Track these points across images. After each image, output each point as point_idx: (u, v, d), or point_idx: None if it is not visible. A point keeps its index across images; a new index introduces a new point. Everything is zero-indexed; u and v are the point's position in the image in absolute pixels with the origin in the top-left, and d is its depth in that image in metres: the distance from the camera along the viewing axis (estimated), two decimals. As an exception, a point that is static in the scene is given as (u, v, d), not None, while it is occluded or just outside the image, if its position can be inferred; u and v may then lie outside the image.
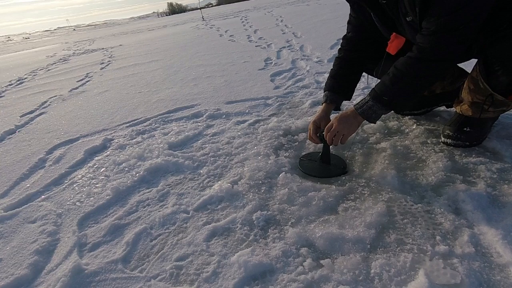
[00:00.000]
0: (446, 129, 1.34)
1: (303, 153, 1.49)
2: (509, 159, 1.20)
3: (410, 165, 1.27)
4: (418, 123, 1.55)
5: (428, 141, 1.40)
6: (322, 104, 1.44)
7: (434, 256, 0.87)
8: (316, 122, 1.39)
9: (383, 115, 1.29)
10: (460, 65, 1.42)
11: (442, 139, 1.36)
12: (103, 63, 5.53)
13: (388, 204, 1.08)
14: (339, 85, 1.43)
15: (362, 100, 1.24)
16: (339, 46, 1.49)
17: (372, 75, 1.56)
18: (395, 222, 1.01)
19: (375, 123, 1.25)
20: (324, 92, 1.46)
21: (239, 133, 1.81)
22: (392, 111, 1.74)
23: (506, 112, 1.32)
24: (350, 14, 1.44)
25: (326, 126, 1.29)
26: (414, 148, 1.37)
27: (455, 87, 1.49)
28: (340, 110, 1.49)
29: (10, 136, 2.47)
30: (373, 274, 0.85)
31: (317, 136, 1.37)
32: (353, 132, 1.27)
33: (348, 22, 1.47)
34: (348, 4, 1.40)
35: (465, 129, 1.29)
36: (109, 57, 6.12)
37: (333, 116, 1.35)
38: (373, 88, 1.21)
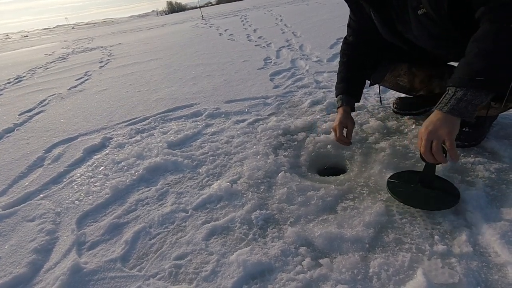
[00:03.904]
0: (445, 129, 1.34)
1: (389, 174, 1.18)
2: (508, 159, 1.20)
3: (409, 165, 1.27)
4: (417, 123, 1.55)
5: (427, 141, 1.40)
6: (338, 108, 1.43)
7: (433, 256, 0.87)
8: (342, 122, 1.35)
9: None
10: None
11: (441, 139, 1.35)
12: (102, 61, 5.52)
13: (387, 203, 1.08)
14: (351, 88, 1.43)
15: (443, 98, 0.98)
16: (341, 51, 1.50)
17: (369, 80, 1.56)
18: (393, 222, 1.01)
19: (472, 120, 0.95)
20: (337, 96, 1.45)
21: (238, 132, 1.81)
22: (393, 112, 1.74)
23: (505, 113, 1.33)
24: (349, 17, 1.44)
25: (418, 144, 1.02)
26: (413, 148, 1.37)
27: None
28: (354, 110, 1.47)
29: (9, 134, 2.47)
30: (371, 274, 0.85)
31: (345, 136, 1.34)
32: (455, 133, 0.94)
33: (348, 26, 1.47)
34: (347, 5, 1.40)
35: (463, 129, 1.29)
36: (108, 56, 6.11)
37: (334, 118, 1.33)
38: (453, 78, 0.96)
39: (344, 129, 1.37)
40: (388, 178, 1.14)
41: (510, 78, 0.90)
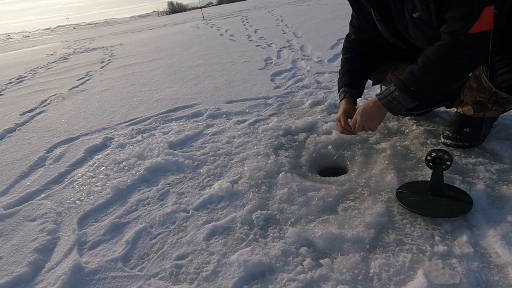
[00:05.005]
0: (446, 130, 1.34)
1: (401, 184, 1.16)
2: (508, 160, 1.20)
3: (409, 165, 1.27)
4: (417, 124, 1.56)
5: (428, 142, 1.40)
6: (341, 100, 1.42)
7: (433, 256, 0.87)
8: (346, 112, 1.35)
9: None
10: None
11: (442, 139, 1.36)
12: (103, 61, 5.53)
13: (388, 204, 1.08)
14: (354, 81, 1.44)
15: (386, 90, 1.18)
16: (344, 48, 1.50)
17: (370, 79, 1.56)
18: (394, 222, 1.01)
19: (398, 115, 1.18)
20: (340, 89, 1.45)
21: (239, 133, 1.81)
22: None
23: (505, 113, 1.33)
24: (352, 15, 1.45)
25: (351, 122, 1.28)
26: (414, 149, 1.37)
27: (454, 88, 1.49)
28: (356, 104, 1.48)
29: (10, 134, 2.47)
30: (372, 274, 0.85)
31: (350, 126, 1.34)
32: (377, 124, 1.24)
33: (350, 24, 1.47)
34: (348, 4, 1.40)
35: (464, 130, 1.29)
36: (110, 56, 6.12)
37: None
38: (399, 78, 1.14)
39: (349, 119, 1.37)
40: (397, 189, 1.12)
41: (432, 95, 1.13)
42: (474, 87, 1.22)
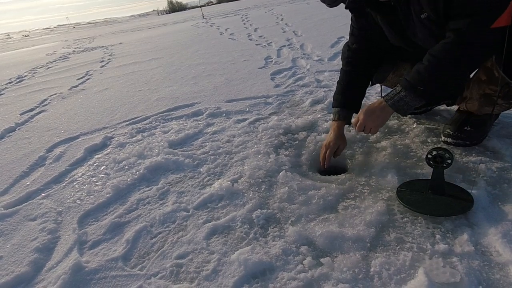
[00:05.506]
0: (447, 128, 1.34)
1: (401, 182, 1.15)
2: (509, 158, 1.20)
3: (410, 164, 1.27)
4: (418, 122, 1.55)
5: (429, 140, 1.40)
6: (333, 121, 1.41)
7: (434, 255, 0.87)
8: (335, 144, 1.34)
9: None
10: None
11: (443, 138, 1.35)
12: (103, 61, 5.53)
13: (388, 203, 1.08)
14: (349, 100, 1.41)
15: (392, 90, 1.17)
16: (344, 59, 1.46)
17: (371, 80, 1.55)
18: (395, 221, 1.01)
19: (406, 116, 1.15)
20: (334, 108, 1.42)
21: (239, 132, 1.81)
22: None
23: (506, 112, 1.32)
24: (351, 25, 1.43)
25: (354, 121, 1.27)
26: (414, 147, 1.37)
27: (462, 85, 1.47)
28: (350, 124, 1.46)
29: (10, 134, 2.47)
30: (372, 273, 0.85)
31: (330, 157, 1.33)
32: (381, 125, 1.23)
33: (351, 34, 1.44)
34: None
35: (465, 128, 1.29)
36: (109, 55, 6.11)
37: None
38: (404, 78, 1.13)
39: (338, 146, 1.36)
40: (398, 187, 1.12)
41: (440, 93, 1.15)
42: (483, 80, 1.20)
